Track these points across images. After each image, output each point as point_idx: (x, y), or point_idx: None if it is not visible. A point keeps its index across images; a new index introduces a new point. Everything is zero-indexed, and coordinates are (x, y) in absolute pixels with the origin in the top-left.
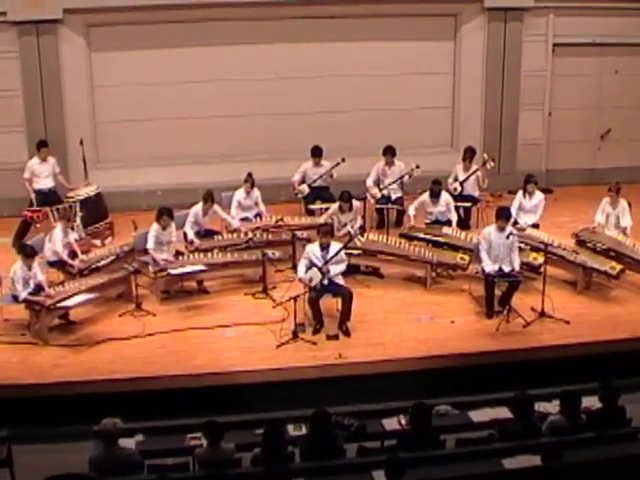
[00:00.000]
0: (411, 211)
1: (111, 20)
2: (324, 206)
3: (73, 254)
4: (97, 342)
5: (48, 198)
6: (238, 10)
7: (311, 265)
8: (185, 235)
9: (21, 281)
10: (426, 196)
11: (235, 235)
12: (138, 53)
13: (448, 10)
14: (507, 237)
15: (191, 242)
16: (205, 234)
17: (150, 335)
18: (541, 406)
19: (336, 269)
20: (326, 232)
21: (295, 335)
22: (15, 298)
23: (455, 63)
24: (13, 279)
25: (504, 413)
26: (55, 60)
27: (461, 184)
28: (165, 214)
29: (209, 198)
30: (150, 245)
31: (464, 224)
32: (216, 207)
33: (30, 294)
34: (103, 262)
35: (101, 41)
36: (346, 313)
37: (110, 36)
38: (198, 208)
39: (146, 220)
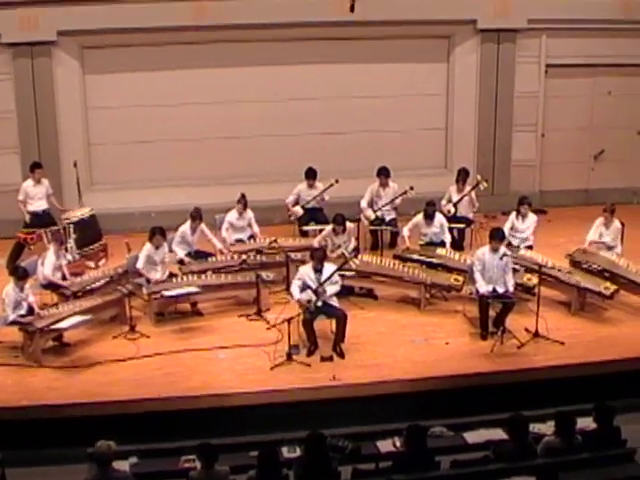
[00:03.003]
0: (405, 232)
1: (105, 42)
2: (318, 228)
3: (64, 277)
4: (91, 364)
5: (42, 220)
6: (233, 32)
7: (305, 287)
8: (175, 255)
9: (12, 303)
10: (420, 217)
11: (229, 257)
12: (132, 75)
13: (441, 32)
14: (501, 258)
15: (181, 261)
16: (197, 256)
17: (145, 357)
18: (536, 427)
19: (331, 289)
20: (320, 258)
21: (289, 357)
22: (5, 320)
23: (448, 84)
24: (4, 300)
25: (499, 434)
26: (49, 82)
27: (455, 205)
28: (157, 233)
29: (197, 216)
30: (140, 264)
31: (458, 245)
32: (203, 226)
33: (22, 316)
34: (97, 284)
35: (95, 63)
36: (340, 335)
37: (104, 58)
38: (186, 227)
39: (140, 242)
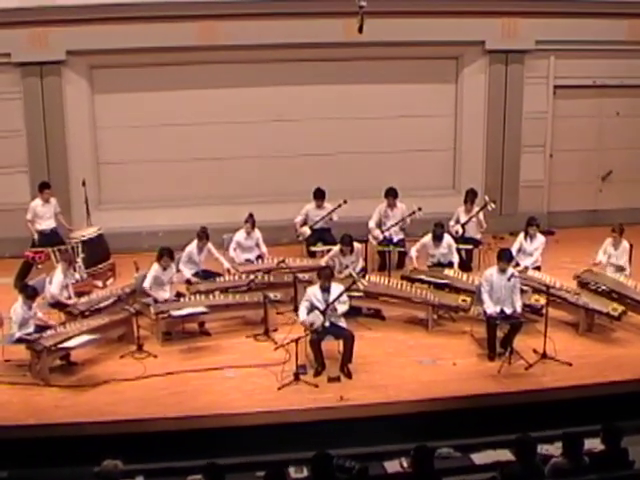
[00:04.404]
0: (413, 253)
1: (114, 62)
2: (326, 248)
3: (68, 296)
4: (98, 383)
5: (50, 239)
6: (240, 53)
7: (312, 308)
8: (182, 275)
9: (19, 322)
10: (428, 238)
11: (237, 277)
12: (140, 95)
13: (450, 53)
14: (509, 279)
15: (188, 281)
16: (204, 275)
17: (152, 376)
18: (543, 448)
19: (341, 308)
20: (327, 276)
21: (296, 377)
22: (12, 338)
23: (457, 105)
24: (12, 318)
25: (506, 455)
26: (58, 101)
27: (463, 226)
28: (166, 255)
29: (204, 235)
30: (147, 284)
31: (466, 266)
32: (210, 245)
33: (29, 334)
34: (105, 303)
35: (104, 83)
36: (348, 355)
37: (113, 78)
38: (192, 247)
39: (148, 261)
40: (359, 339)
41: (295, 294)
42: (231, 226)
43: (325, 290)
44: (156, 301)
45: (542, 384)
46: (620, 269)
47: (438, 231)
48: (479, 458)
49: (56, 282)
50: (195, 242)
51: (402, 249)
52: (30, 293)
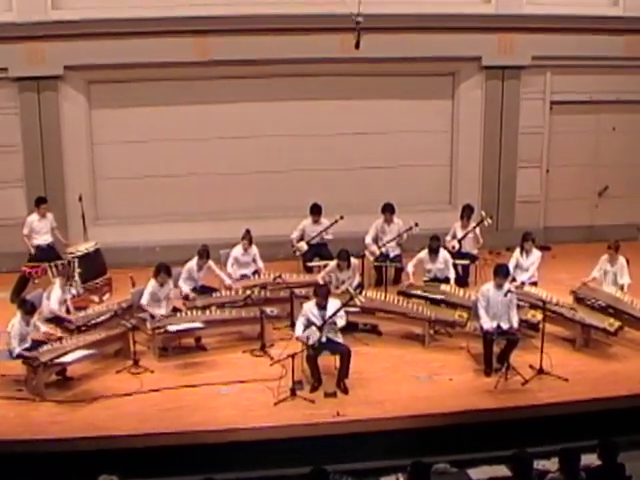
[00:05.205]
0: (409, 268)
1: (111, 77)
2: (322, 263)
3: (68, 310)
4: (94, 398)
5: (47, 254)
6: (237, 68)
7: (309, 323)
8: (181, 291)
9: (18, 337)
10: (424, 253)
11: (233, 292)
12: (137, 110)
13: (446, 69)
14: (505, 294)
15: (186, 297)
16: (202, 291)
17: (148, 392)
18: (540, 464)
19: (339, 322)
20: (324, 294)
21: (293, 393)
22: (10, 353)
23: (453, 121)
24: (10, 334)
25: (503, 471)
26: (55, 116)
27: (459, 242)
28: (163, 271)
29: (204, 253)
30: (144, 301)
31: (462, 281)
32: (211, 263)
33: (26, 350)
34: (101, 318)
35: (101, 98)
36: (344, 371)
37: (110, 93)
38: (193, 264)
39: (144, 276)
40: (355, 354)
41: (292, 309)
42: (228, 241)
43: (322, 307)
44: (153, 317)
45: (539, 400)
46: (620, 287)
47: (434, 244)
48: (475, 473)
49: (55, 297)
50: (195, 259)
51: (399, 265)
52: (29, 308)
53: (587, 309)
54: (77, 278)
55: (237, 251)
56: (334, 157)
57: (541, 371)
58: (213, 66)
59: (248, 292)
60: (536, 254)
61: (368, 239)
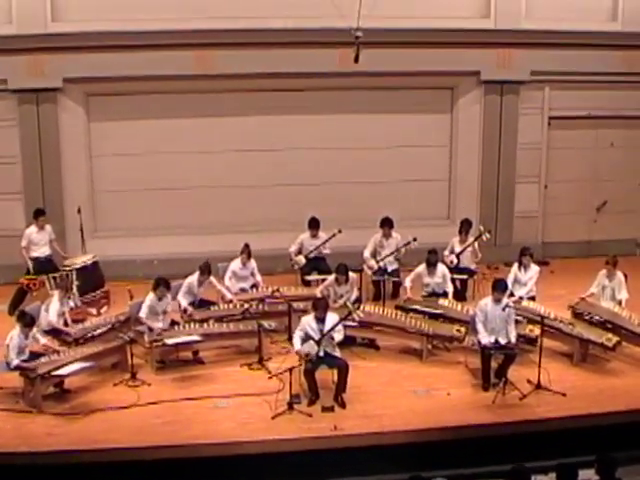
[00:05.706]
0: (407, 283)
1: (110, 90)
2: (320, 277)
3: (66, 323)
4: (92, 411)
5: (45, 266)
6: (236, 81)
7: (307, 337)
8: (180, 304)
9: (16, 349)
10: (422, 267)
11: (231, 306)
12: (136, 123)
13: (445, 83)
14: (503, 309)
15: (185, 311)
16: (200, 304)
17: (146, 405)
18: (537, 479)
19: (337, 337)
20: (322, 307)
21: (290, 406)
22: (8, 365)
23: (452, 135)
24: (8, 346)
25: None
26: (54, 128)
27: (457, 256)
28: (162, 285)
29: (206, 270)
30: (142, 314)
31: (460, 296)
32: (212, 279)
33: (24, 361)
34: (99, 331)
35: (100, 110)
36: (342, 385)
37: (109, 106)
38: (193, 279)
39: (142, 289)
40: (353, 369)
41: (289, 323)
42: (226, 255)
43: (320, 321)
44: (151, 330)
45: (536, 414)
46: (618, 302)
47: (432, 258)
48: None
49: (53, 310)
50: (197, 275)
51: (397, 279)
52: (28, 321)
53: (585, 324)
54: (75, 291)
55: (235, 265)
56: (332, 171)
57: (539, 386)
58: (212, 79)
59: (246, 305)
60: (534, 269)
61: (366, 253)
